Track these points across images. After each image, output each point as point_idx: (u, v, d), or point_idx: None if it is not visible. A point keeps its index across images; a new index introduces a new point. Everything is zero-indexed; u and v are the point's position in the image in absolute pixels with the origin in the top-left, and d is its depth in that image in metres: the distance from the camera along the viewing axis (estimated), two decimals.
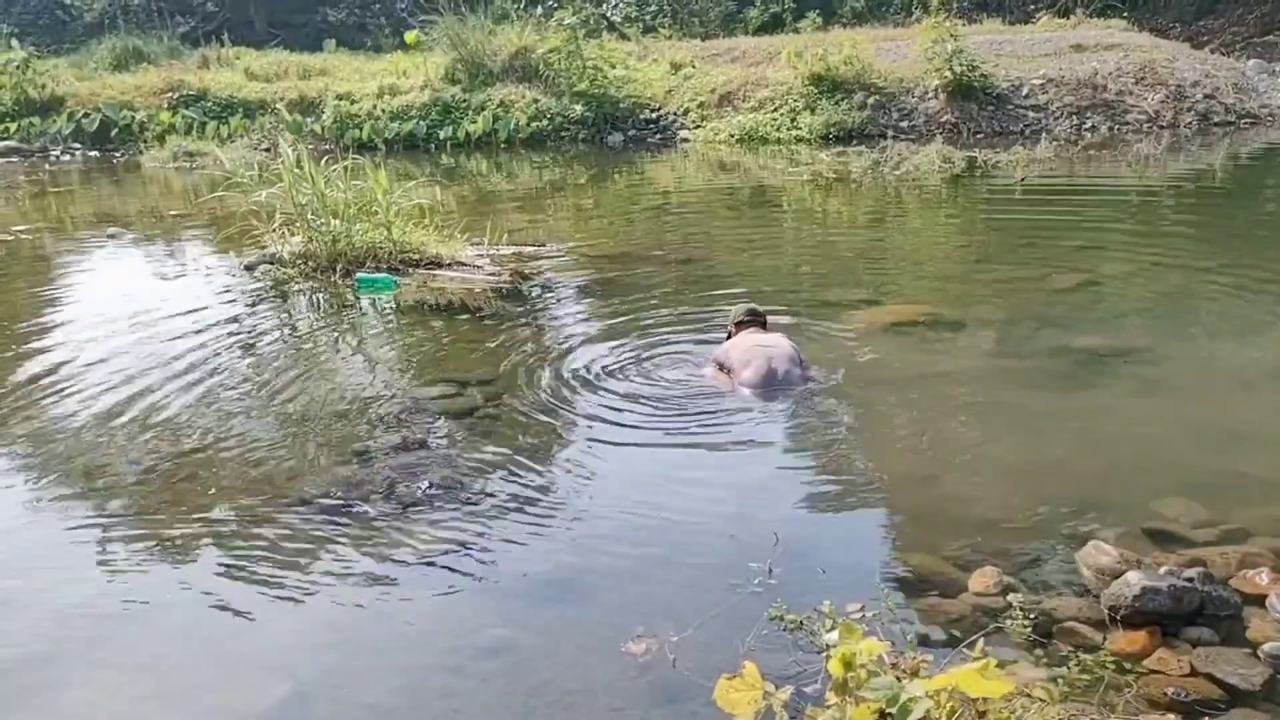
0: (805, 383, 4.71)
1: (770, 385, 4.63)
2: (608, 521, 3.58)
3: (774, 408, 4.53)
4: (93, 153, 16.93)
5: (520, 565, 3.31)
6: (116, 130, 17.07)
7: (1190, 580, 2.77)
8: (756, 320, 5.12)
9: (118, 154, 16.73)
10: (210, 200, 10.45)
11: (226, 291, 7.17)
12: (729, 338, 5.11)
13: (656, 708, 2.58)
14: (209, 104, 17.14)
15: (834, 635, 2.38)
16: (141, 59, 19.81)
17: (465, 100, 16.31)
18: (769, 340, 4.86)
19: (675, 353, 5.36)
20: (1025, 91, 14.71)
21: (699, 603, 3.00)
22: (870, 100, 14.72)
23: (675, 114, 15.86)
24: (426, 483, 3.84)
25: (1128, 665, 2.58)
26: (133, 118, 17.11)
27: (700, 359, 5.15)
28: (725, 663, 2.44)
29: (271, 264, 7.52)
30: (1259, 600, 2.85)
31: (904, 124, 14.50)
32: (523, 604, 3.11)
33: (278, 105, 15.81)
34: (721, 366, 4.88)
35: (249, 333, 6.10)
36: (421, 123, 16.02)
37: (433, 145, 15.86)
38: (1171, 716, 2.36)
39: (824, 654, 2.53)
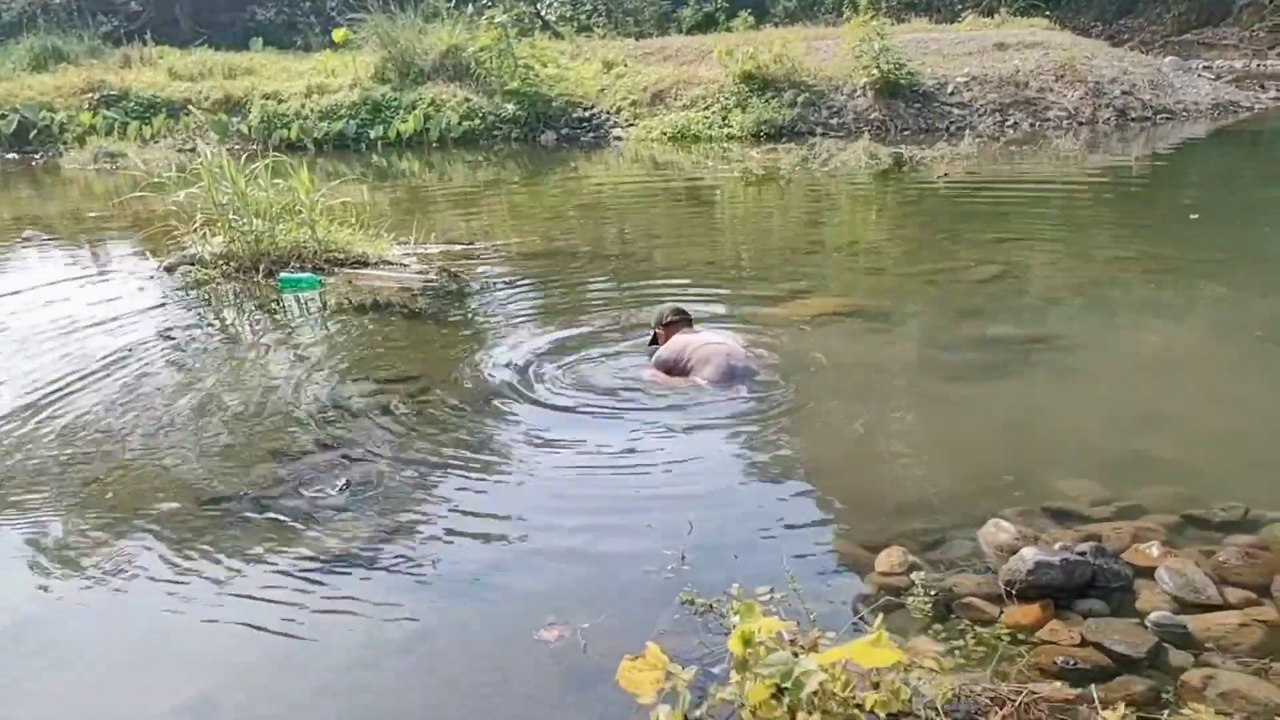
0: (757, 377, 4.76)
1: (732, 381, 4.67)
2: (524, 514, 3.60)
3: (698, 397, 4.58)
4: (10, 155, 16.48)
5: (435, 560, 3.32)
6: (35, 131, 16.64)
7: (1082, 554, 2.88)
8: (686, 319, 5.14)
9: (36, 156, 16.29)
10: (132, 201, 10.23)
11: (147, 293, 7.03)
12: (654, 339, 5.14)
13: (569, 693, 2.61)
14: (131, 104, 16.77)
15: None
16: (61, 59, 19.30)
17: (396, 99, 16.17)
18: (716, 338, 4.90)
19: (602, 350, 5.39)
20: (950, 89, 15.02)
21: (611, 589, 3.04)
22: (800, 98, 14.90)
23: (608, 113, 15.90)
24: (344, 480, 3.82)
25: (1021, 637, 2.67)
26: (52, 119, 16.68)
27: (639, 366, 5.08)
28: (636, 647, 2.46)
29: (192, 265, 7.40)
30: (1149, 572, 2.96)
31: (833, 121, 14.71)
32: (437, 597, 3.11)
33: (200, 105, 15.51)
34: (671, 369, 4.84)
35: (169, 334, 5.98)
36: (351, 122, 15.85)
37: (363, 145, 15.70)
38: (1060, 684, 2.45)
39: (730, 635, 2.58)
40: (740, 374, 4.71)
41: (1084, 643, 2.64)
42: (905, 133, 14.27)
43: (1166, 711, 2.31)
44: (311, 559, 3.33)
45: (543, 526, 3.51)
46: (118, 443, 4.33)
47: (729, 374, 4.68)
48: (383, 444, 4.24)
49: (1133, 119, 14.52)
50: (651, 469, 3.94)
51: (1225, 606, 2.78)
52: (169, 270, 7.44)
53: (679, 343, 4.89)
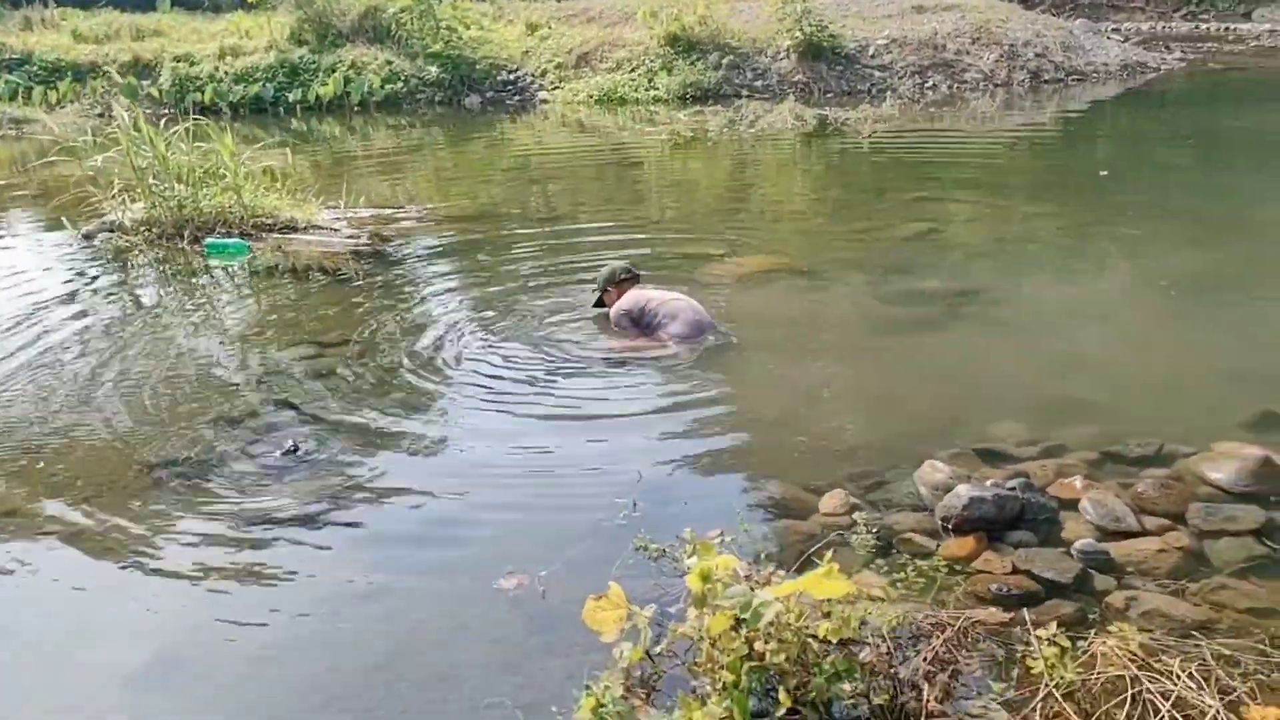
0: (719, 329, 4.83)
1: (701, 333, 4.75)
2: (475, 470, 3.65)
3: (637, 353, 4.65)
4: None
5: (390, 517, 3.36)
6: None
7: (1012, 490, 3.05)
8: (635, 277, 5.17)
9: None
10: (41, 168, 9.86)
11: (64, 262, 6.83)
12: (601, 300, 5.15)
13: (531, 637, 2.69)
14: (34, 68, 16.05)
15: (694, 559, 2.52)
16: None
17: (314, 62, 15.77)
18: (672, 294, 4.93)
19: (538, 309, 5.42)
20: (871, 51, 15.21)
21: (566, 539, 3.12)
22: (725, 60, 14.95)
23: (533, 75, 15.74)
24: (290, 443, 3.81)
25: (958, 568, 2.83)
26: None
27: (579, 325, 5.11)
28: (593, 591, 2.54)
29: (112, 232, 7.19)
30: (1074, 505, 3.14)
31: (758, 84, 14.80)
32: (395, 552, 3.16)
33: (109, 68, 14.93)
34: (635, 322, 4.87)
35: (92, 302, 5.85)
36: (268, 85, 15.42)
37: (281, 109, 15.29)
38: (995, 609, 2.61)
39: (685, 576, 2.67)
40: (707, 326, 4.80)
41: (1015, 571, 2.81)
42: (829, 95, 14.43)
43: (1094, 630, 2.48)
44: (263, 519, 3.34)
45: (492, 481, 3.56)
46: (52, 411, 4.25)
47: (697, 327, 4.76)
48: (325, 407, 4.23)
49: (1046, 80, 14.90)
50: (596, 423, 4.02)
51: (1144, 534, 2.97)
52: (87, 237, 7.22)
53: (639, 297, 4.93)
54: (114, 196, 7.37)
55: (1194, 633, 2.47)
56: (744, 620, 2.20)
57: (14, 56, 16.17)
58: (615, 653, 2.32)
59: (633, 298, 4.95)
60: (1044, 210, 7.59)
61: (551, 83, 15.50)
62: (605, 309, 5.11)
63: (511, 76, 15.79)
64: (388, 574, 3.03)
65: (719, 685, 2.21)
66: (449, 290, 5.93)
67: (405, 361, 4.71)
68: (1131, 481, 3.26)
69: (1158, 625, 2.52)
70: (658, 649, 2.40)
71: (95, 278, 6.41)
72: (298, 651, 2.71)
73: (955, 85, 14.66)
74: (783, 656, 2.23)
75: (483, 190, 9.45)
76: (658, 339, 4.78)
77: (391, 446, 3.86)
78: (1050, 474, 3.33)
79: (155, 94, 15.14)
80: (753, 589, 2.29)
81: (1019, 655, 2.42)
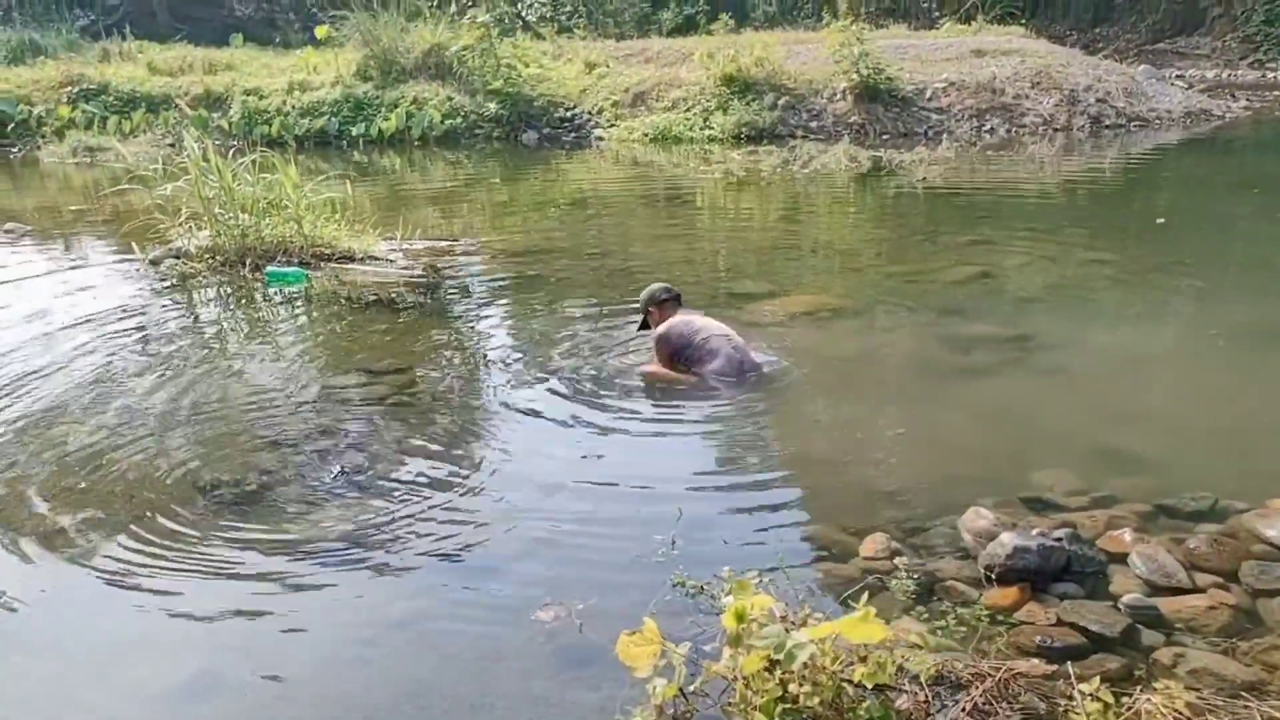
0: (761, 370, 4.78)
1: (740, 375, 4.68)
2: (516, 501, 3.68)
3: (684, 390, 4.66)
4: None
5: (431, 544, 3.39)
6: (13, 125, 16.48)
7: (1059, 540, 2.99)
8: (676, 297, 5.08)
9: (14, 149, 16.14)
10: (112, 195, 10.21)
11: (131, 285, 7.05)
12: (644, 322, 5.12)
13: (564, 671, 2.69)
14: (110, 98, 16.66)
15: (731, 598, 2.52)
16: (39, 52, 19.15)
17: (378, 97, 16.17)
18: (719, 328, 4.83)
19: (586, 343, 5.46)
20: (929, 94, 15.19)
21: (604, 573, 3.12)
22: (780, 101, 15.03)
23: (589, 113, 15.97)
24: (339, 467, 3.88)
25: (1000, 617, 2.78)
26: (30, 112, 16.54)
27: (626, 358, 5.11)
28: (629, 626, 2.54)
29: (178, 258, 7.42)
30: (1122, 559, 3.07)
31: (813, 124, 14.85)
32: (433, 580, 3.19)
33: (181, 100, 15.44)
34: (676, 352, 4.78)
35: (156, 326, 6.03)
36: (333, 119, 15.83)
37: (345, 142, 15.69)
38: (1037, 661, 2.56)
39: (722, 614, 2.66)
40: (748, 368, 4.74)
41: (1060, 623, 2.75)
42: (884, 137, 14.43)
43: (1139, 687, 2.42)
44: (308, 543, 3.39)
45: (535, 513, 3.58)
46: (112, 432, 4.36)
47: (737, 368, 4.69)
48: (375, 433, 4.30)
49: (1107, 126, 14.75)
50: (641, 459, 4.03)
51: (1194, 590, 2.89)
52: (154, 263, 7.46)
53: (685, 327, 4.80)
54: (181, 224, 7.60)
55: (1243, 693, 2.39)
56: (778, 661, 2.19)
57: (91, 87, 16.81)
58: (649, 689, 2.32)
59: (676, 327, 4.82)
60: (1100, 257, 7.48)
61: (608, 120, 15.70)
62: (650, 331, 5.07)
63: (568, 114, 16.03)
64: (426, 601, 3.06)
65: None
66: (499, 322, 6.02)
67: (454, 391, 4.78)
68: (1183, 537, 3.18)
69: (1206, 684, 2.45)
70: (691, 687, 2.39)
71: (160, 302, 6.60)
72: (333, 674, 2.74)
73: (1014, 129, 14.57)
74: (817, 700, 2.21)
75: (536, 225, 9.58)
76: (696, 376, 4.72)
77: (436, 475, 3.90)
78: (1099, 526, 3.26)
79: (225, 126, 15.63)
80: (788, 630, 2.27)
81: (1061, 710, 2.36)
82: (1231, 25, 23.24)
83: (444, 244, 8.08)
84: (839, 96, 15.13)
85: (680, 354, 4.78)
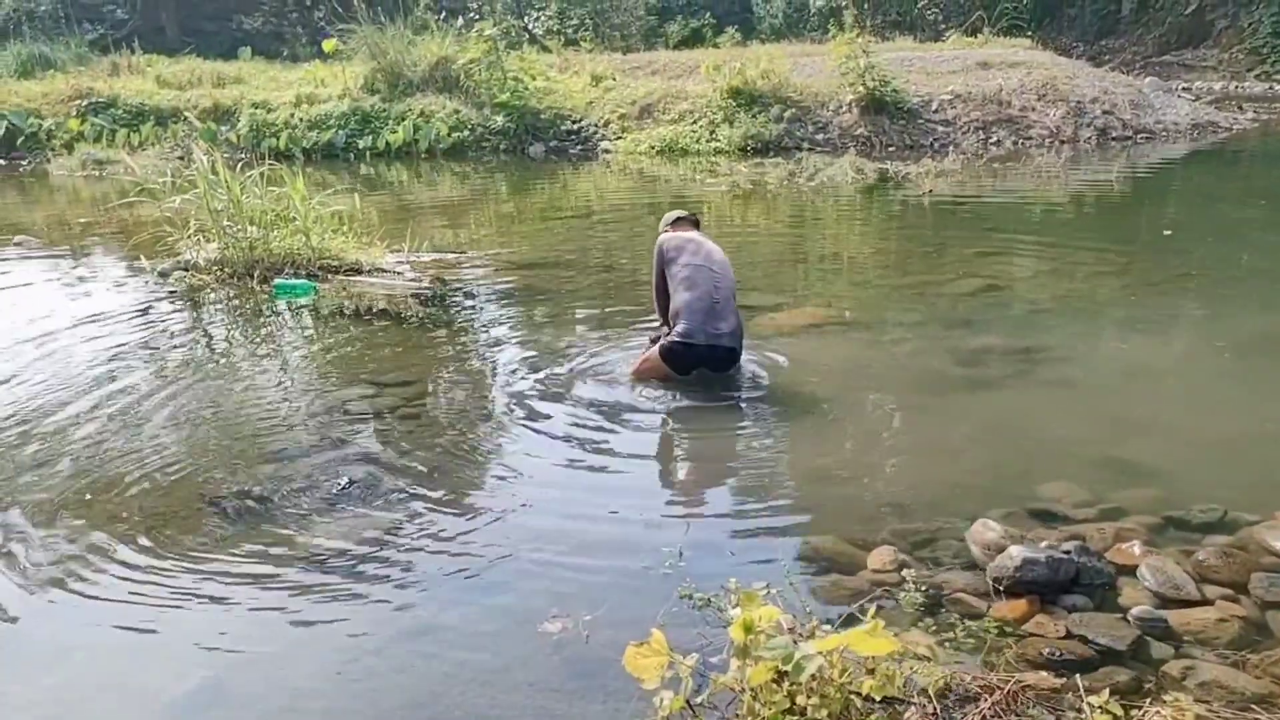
0: (734, 340, 4.75)
1: (708, 342, 4.64)
2: (524, 511, 3.68)
3: (691, 401, 4.67)
4: None
5: (438, 555, 3.39)
6: (22, 138, 16.58)
7: (1067, 553, 2.98)
8: (688, 218, 5.35)
9: (24, 162, 16.23)
10: (121, 208, 10.26)
11: (139, 297, 7.07)
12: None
13: (571, 682, 2.69)
14: (119, 111, 16.74)
15: (738, 610, 2.51)
16: (49, 66, 19.30)
17: (385, 110, 16.24)
18: (707, 258, 4.87)
19: (593, 355, 5.47)
20: (935, 106, 15.22)
21: (611, 584, 3.12)
22: (786, 113, 15.06)
23: (596, 126, 16.01)
24: (346, 479, 3.89)
25: (1008, 630, 2.77)
26: (39, 125, 16.63)
27: (628, 369, 5.10)
28: (636, 638, 2.54)
29: (186, 270, 7.45)
30: (1131, 570, 3.07)
31: (819, 136, 14.88)
32: (440, 591, 3.19)
33: (189, 113, 15.54)
34: (662, 271, 4.94)
35: (164, 337, 6.05)
36: (340, 132, 15.90)
37: (352, 155, 15.75)
38: (1046, 674, 2.55)
39: (729, 626, 2.66)
40: (711, 337, 4.65)
41: (1069, 635, 2.74)
42: (890, 149, 14.44)
43: (1149, 699, 2.41)
44: (315, 554, 3.39)
45: (542, 525, 3.58)
46: (118, 443, 4.38)
47: (703, 334, 4.64)
48: (382, 445, 4.31)
49: (1113, 138, 14.75)
50: (648, 471, 4.03)
51: (1204, 603, 2.89)
52: (163, 275, 7.49)
53: (679, 240, 4.99)
54: (189, 236, 7.64)
55: (1253, 706, 2.38)
56: (786, 673, 2.19)
57: (100, 100, 16.89)
58: (655, 700, 2.31)
59: (671, 240, 5.01)
60: (1107, 269, 7.48)
61: (614, 133, 15.74)
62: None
63: (575, 126, 16.07)
64: (433, 611, 3.06)
65: None
66: (506, 334, 6.02)
67: (461, 403, 4.79)
68: (1192, 549, 3.17)
69: (1215, 697, 2.44)
70: (699, 699, 2.38)
71: (168, 313, 6.63)
72: (340, 685, 2.74)
73: (1020, 141, 14.59)
74: (825, 712, 2.20)
75: (543, 237, 9.60)
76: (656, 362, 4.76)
77: (443, 486, 3.91)
78: (1107, 538, 3.25)
79: (233, 139, 15.69)
80: (796, 642, 2.27)
81: None
82: (1238, 37, 23.28)
83: (451, 256, 8.11)
84: (845, 109, 15.16)
85: (667, 266, 4.92)
